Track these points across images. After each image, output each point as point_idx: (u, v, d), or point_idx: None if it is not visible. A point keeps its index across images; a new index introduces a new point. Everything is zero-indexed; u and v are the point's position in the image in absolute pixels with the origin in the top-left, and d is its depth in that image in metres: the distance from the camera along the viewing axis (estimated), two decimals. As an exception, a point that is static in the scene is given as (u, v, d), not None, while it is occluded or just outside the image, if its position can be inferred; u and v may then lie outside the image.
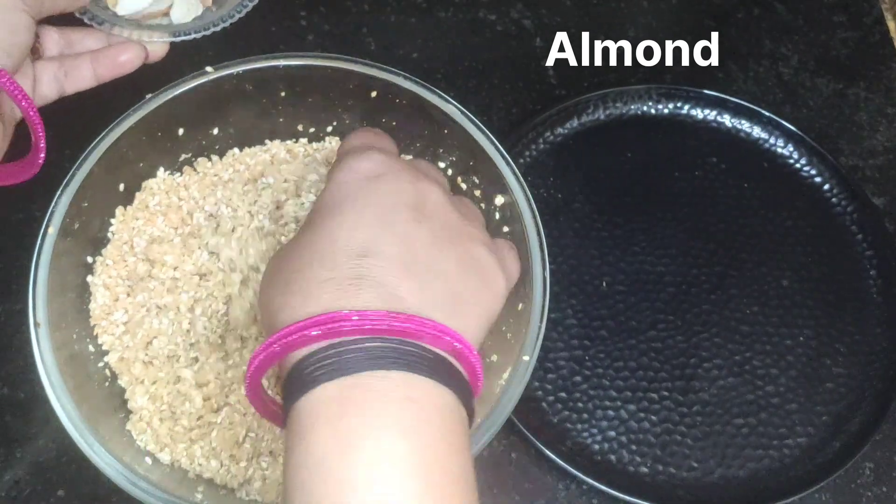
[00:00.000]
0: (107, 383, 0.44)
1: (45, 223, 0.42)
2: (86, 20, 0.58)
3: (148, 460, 0.42)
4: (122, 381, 0.44)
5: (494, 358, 0.45)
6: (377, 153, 0.37)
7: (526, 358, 0.41)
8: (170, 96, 0.46)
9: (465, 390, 0.33)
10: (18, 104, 0.39)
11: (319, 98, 0.49)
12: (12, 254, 0.49)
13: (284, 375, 0.32)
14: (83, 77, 0.44)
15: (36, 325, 0.40)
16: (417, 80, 0.47)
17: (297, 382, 0.31)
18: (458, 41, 0.67)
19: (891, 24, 0.72)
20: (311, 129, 0.52)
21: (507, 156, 0.46)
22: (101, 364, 0.44)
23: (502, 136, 0.61)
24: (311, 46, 0.65)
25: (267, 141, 0.52)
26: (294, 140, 0.52)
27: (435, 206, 0.36)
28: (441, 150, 0.49)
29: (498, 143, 0.46)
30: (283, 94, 0.49)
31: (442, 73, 0.66)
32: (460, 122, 0.46)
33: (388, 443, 0.29)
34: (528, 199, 0.44)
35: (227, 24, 0.58)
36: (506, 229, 0.46)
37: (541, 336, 0.41)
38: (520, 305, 0.43)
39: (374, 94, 0.48)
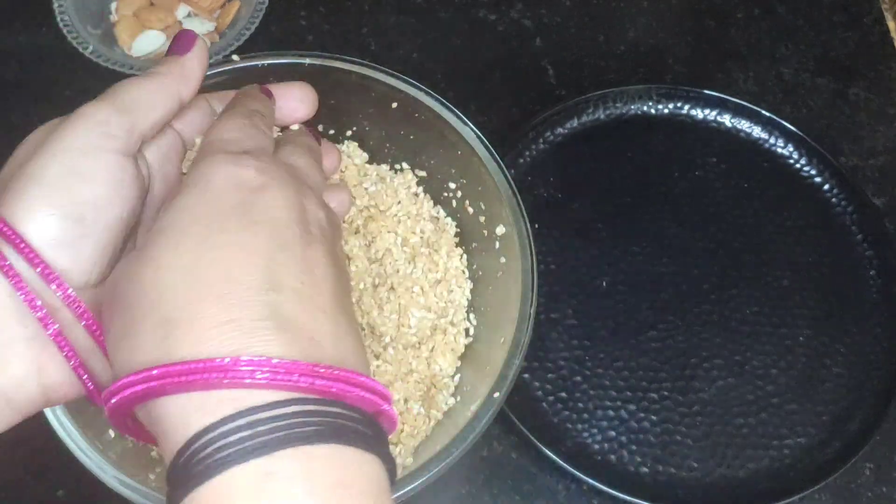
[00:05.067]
0: None
1: None
2: (101, 62, 0.58)
3: (111, 433, 0.42)
4: None
5: (468, 388, 0.45)
6: (253, 160, 0.29)
7: (497, 395, 0.40)
8: None
9: (385, 447, 0.27)
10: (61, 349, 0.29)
11: (341, 101, 0.49)
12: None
13: (172, 453, 0.24)
14: None
15: None
16: (439, 98, 0.47)
17: (195, 465, 0.23)
18: (458, 41, 0.67)
19: (891, 24, 0.72)
20: (331, 132, 0.51)
21: (514, 187, 0.45)
22: None
23: (502, 136, 0.61)
24: (311, 46, 0.65)
25: None
26: None
27: (318, 224, 0.29)
28: (453, 171, 0.49)
29: (508, 174, 0.45)
30: None
31: (442, 73, 0.66)
32: (473, 146, 0.46)
33: None
34: (527, 233, 0.44)
35: (227, 53, 0.59)
36: (503, 260, 0.46)
37: (516, 372, 0.41)
38: (502, 339, 0.43)
39: (395, 105, 0.48)
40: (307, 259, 0.27)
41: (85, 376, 0.29)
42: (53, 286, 0.27)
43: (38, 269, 0.27)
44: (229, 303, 0.25)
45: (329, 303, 0.27)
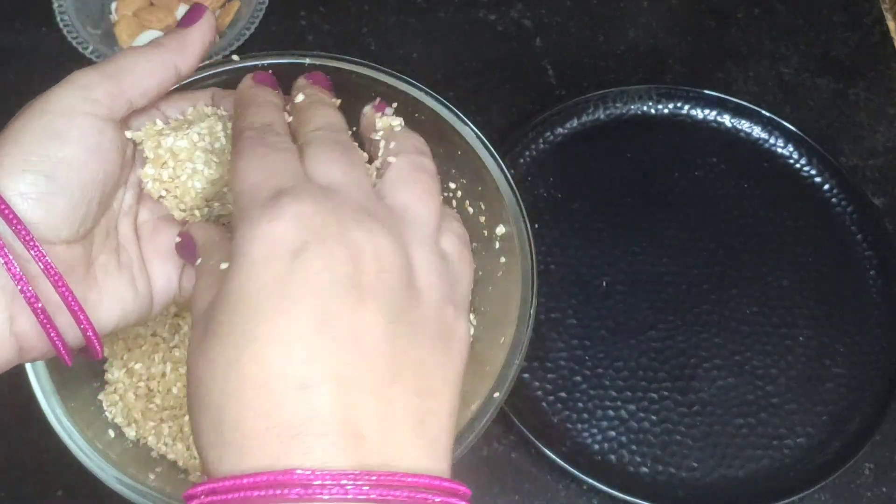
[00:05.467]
0: None
1: None
2: (94, 59, 0.58)
3: (111, 433, 0.41)
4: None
5: (468, 388, 0.44)
6: (289, 205, 0.27)
7: (497, 395, 0.40)
8: (192, 79, 0.46)
9: None
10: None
11: (341, 101, 0.49)
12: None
13: None
14: None
15: None
16: (439, 98, 0.47)
17: None
18: (458, 41, 0.67)
19: (891, 24, 0.72)
20: None
21: (514, 187, 0.45)
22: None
23: (502, 136, 0.61)
24: (311, 46, 0.65)
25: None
26: None
27: (375, 264, 0.27)
28: (454, 171, 0.49)
29: (508, 174, 0.45)
30: None
31: (442, 73, 0.66)
32: (473, 146, 0.46)
33: None
34: (527, 233, 0.44)
35: (227, 53, 0.59)
36: (503, 260, 0.46)
37: (516, 372, 0.40)
38: (502, 339, 0.43)
39: (395, 105, 0.48)
40: (353, 328, 0.26)
41: (47, 324, 0.29)
42: (21, 237, 0.28)
43: (8, 220, 0.28)
44: (268, 405, 0.25)
45: (378, 378, 0.26)
